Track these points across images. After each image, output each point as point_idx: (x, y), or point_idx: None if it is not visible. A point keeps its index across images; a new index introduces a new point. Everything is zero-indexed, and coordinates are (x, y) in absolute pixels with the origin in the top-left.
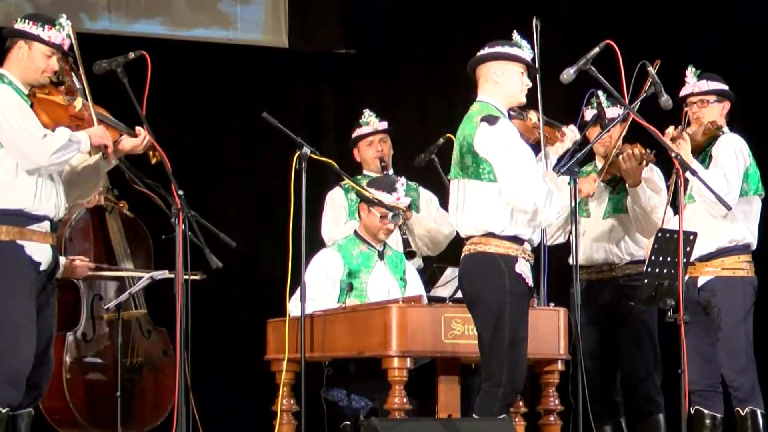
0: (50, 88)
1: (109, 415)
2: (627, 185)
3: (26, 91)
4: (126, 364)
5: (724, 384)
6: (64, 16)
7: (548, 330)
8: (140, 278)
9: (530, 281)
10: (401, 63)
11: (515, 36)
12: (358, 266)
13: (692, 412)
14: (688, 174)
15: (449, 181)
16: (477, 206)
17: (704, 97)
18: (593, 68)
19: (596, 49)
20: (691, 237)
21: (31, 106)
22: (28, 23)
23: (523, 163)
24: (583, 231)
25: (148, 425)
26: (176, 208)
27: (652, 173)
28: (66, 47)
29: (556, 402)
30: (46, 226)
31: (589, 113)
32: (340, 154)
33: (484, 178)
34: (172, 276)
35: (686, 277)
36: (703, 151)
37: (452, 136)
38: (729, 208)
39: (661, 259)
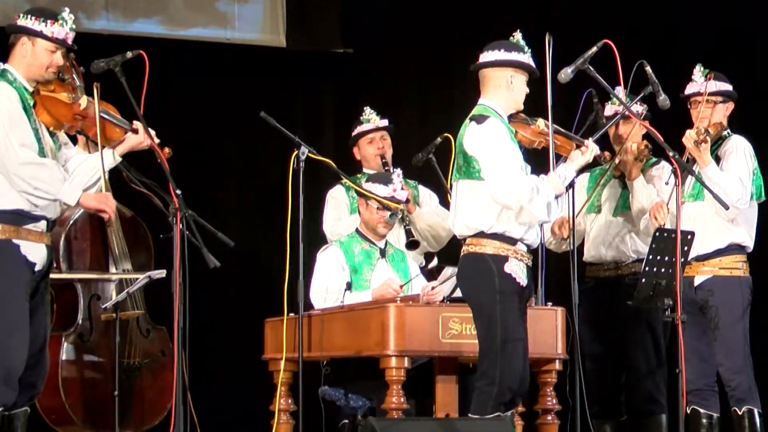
0: (55, 85)
1: (106, 415)
2: (626, 178)
3: (30, 88)
4: (123, 364)
5: (721, 383)
6: (67, 9)
7: (546, 329)
8: (135, 278)
9: (522, 281)
10: (399, 62)
11: (518, 37)
12: (360, 263)
13: (689, 411)
14: (702, 173)
15: (449, 181)
16: (468, 205)
17: (713, 97)
18: (591, 67)
19: (594, 49)
20: (689, 236)
21: (34, 104)
22: (31, 19)
23: (506, 160)
24: (592, 228)
25: (145, 425)
26: (174, 208)
27: (662, 172)
28: (70, 41)
29: (554, 401)
30: (42, 225)
31: (609, 109)
32: (338, 153)
33: (475, 176)
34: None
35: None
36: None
37: (450, 136)
38: (726, 208)
39: (659, 258)
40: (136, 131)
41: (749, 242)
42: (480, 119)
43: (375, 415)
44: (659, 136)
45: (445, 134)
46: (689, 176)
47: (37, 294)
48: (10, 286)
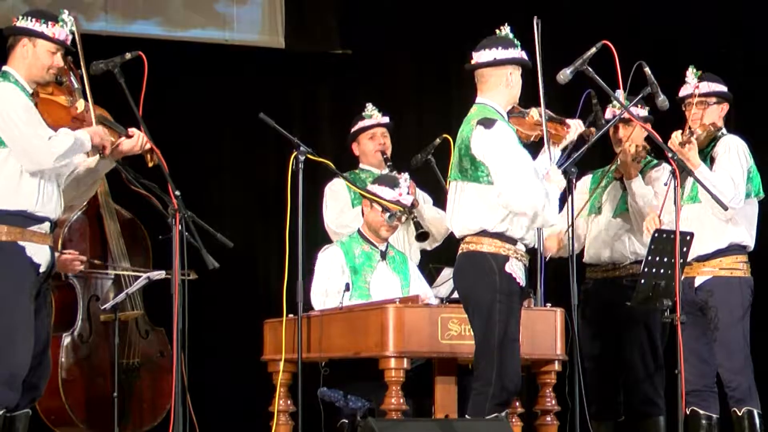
0: (53, 88)
1: (106, 416)
2: (624, 178)
3: (30, 90)
4: (123, 365)
5: (721, 384)
6: (66, 11)
7: (545, 330)
8: (137, 277)
9: (522, 281)
10: (397, 63)
11: (506, 31)
12: (360, 265)
13: (688, 412)
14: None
15: (447, 182)
16: (473, 207)
17: (705, 98)
18: (590, 68)
19: (593, 50)
20: (688, 237)
21: (35, 105)
22: (31, 20)
23: (520, 167)
24: (592, 229)
25: (145, 426)
26: (173, 209)
27: (661, 174)
28: (69, 42)
29: (553, 402)
30: (46, 227)
31: (609, 111)
32: (337, 154)
33: (482, 180)
34: (169, 276)
35: (682, 278)
36: (702, 153)
37: (449, 137)
38: (725, 209)
39: (657, 259)
40: (130, 136)
41: (749, 241)
42: (488, 123)
43: (374, 416)
44: (658, 137)
45: (444, 135)
46: (688, 178)
47: (39, 295)
48: (17, 288)
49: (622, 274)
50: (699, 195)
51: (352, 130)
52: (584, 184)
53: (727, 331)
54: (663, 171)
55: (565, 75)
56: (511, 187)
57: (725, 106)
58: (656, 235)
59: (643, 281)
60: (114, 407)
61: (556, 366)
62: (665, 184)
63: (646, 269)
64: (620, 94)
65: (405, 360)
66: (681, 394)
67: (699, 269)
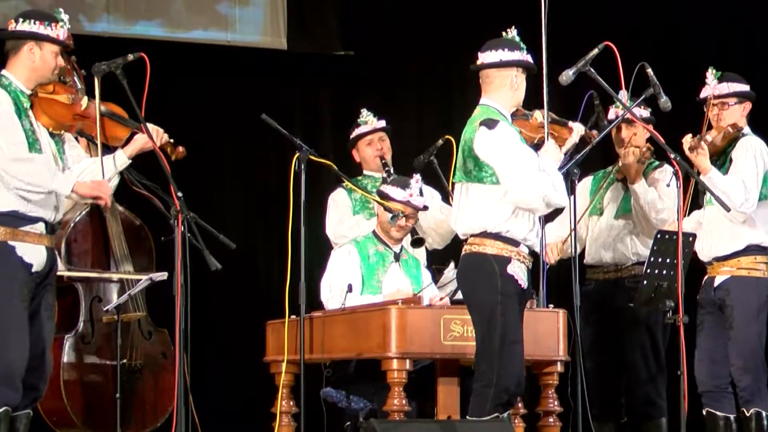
0: (55, 86)
1: (108, 417)
2: (627, 181)
3: (28, 92)
4: (125, 366)
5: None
6: (62, 10)
7: (547, 331)
8: (139, 279)
9: (524, 283)
10: (399, 64)
11: (513, 33)
12: (373, 264)
13: (704, 414)
14: (705, 179)
15: (450, 183)
16: (477, 207)
17: (725, 99)
18: (592, 70)
19: (595, 51)
20: (690, 239)
21: (31, 105)
22: (35, 23)
23: (524, 164)
24: (593, 230)
25: (147, 427)
26: (175, 210)
27: (664, 175)
28: (70, 42)
29: (555, 403)
30: (40, 227)
31: (612, 113)
32: (339, 155)
33: (486, 181)
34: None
35: (705, 277)
36: (723, 154)
37: (451, 138)
38: (728, 210)
39: (660, 260)
40: (143, 131)
41: None
42: (491, 124)
43: (376, 417)
44: (661, 138)
45: (446, 136)
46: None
47: (38, 296)
48: (6, 288)
49: (624, 276)
50: (712, 198)
51: (351, 137)
52: (584, 186)
53: (741, 329)
54: (665, 172)
55: (567, 76)
56: (517, 184)
57: (747, 105)
58: (659, 236)
59: (645, 282)
60: (117, 408)
61: (559, 367)
62: (667, 185)
63: (648, 270)
64: (623, 95)
65: (407, 361)
66: (683, 396)
67: (719, 269)
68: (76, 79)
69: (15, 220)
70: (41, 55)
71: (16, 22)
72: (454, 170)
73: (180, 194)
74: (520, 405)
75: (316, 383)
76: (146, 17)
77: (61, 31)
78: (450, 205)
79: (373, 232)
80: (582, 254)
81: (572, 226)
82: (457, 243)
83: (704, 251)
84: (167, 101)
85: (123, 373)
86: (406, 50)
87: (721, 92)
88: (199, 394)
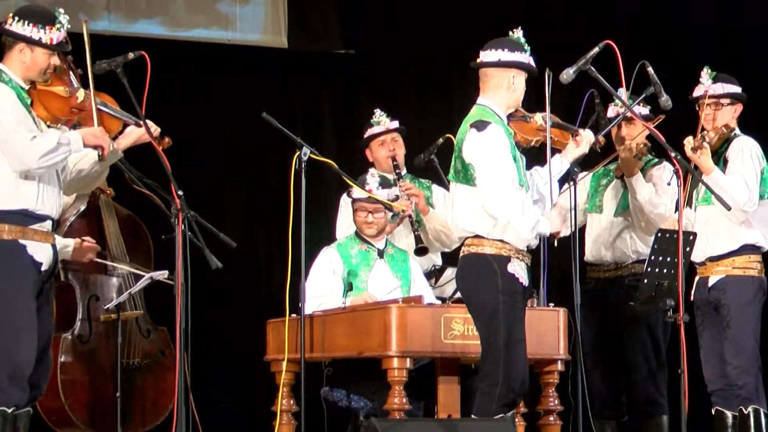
0: (52, 79)
1: (106, 416)
2: (625, 175)
3: (26, 86)
4: (123, 365)
5: None
6: (62, 10)
7: (548, 330)
8: (139, 276)
9: (524, 281)
10: (400, 63)
11: (518, 34)
12: (356, 265)
13: (713, 412)
14: (707, 179)
15: (449, 182)
16: (466, 209)
17: (718, 99)
18: (593, 68)
19: (596, 49)
20: (691, 237)
21: (31, 103)
22: (28, 25)
23: (500, 172)
24: (593, 228)
25: (147, 425)
26: (176, 209)
27: (662, 172)
28: (67, 42)
29: (556, 402)
30: (47, 225)
31: (611, 110)
32: (339, 153)
33: (470, 182)
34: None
35: (697, 278)
36: (715, 154)
37: (451, 137)
38: (728, 209)
39: (660, 259)
40: (139, 125)
41: (763, 242)
42: (480, 126)
43: (377, 416)
44: (661, 136)
45: (447, 135)
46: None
47: (42, 294)
48: (18, 287)
49: (624, 274)
50: (711, 197)
51: (364, 136)
52: (584, 183)
53: (737, 329)
54: (664, 169)
55: (568, 75)
56: (487, 189)
57: (739, 107)
58: (659, 234)
59: (646, 281)
60: (117, 407)
61: (559, 366)
62: (668, 184)
63: (649, 269)
64: (622, 92)
65: (408, 360)
66: (684, 394)
67: (713, 269)
68: (72, 78)
69: (25, 218)
70: (31, 57)
71: (13, 18)
72: (450, 170)
73: (180, 193)
74: (521, 403)
75: (316, 382)
76: (147, 16)
77: (55, 35)
78: None
79: (355, 231)
80: (582, 253)
81: (572, 230)
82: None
83: (698, 251)
84: (168, 100)
85: (121, 371)
86: (406, 49)
87: (716, 92)
88: (200, 392)
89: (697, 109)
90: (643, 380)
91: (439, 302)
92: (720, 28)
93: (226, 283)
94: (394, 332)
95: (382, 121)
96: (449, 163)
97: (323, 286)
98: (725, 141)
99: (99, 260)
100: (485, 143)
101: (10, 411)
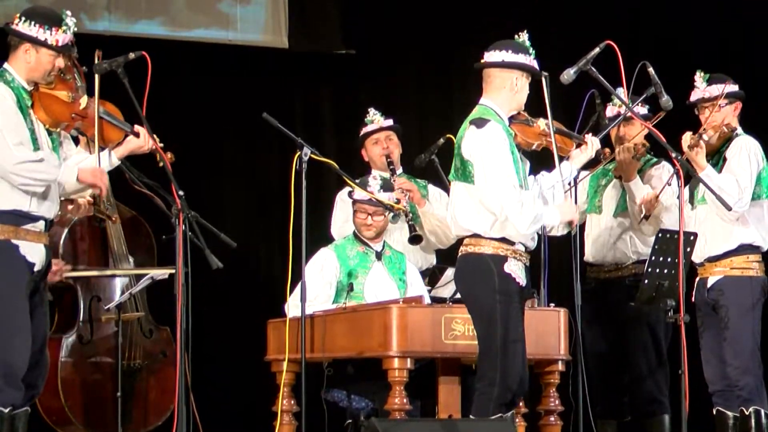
0: (56, 82)
1: (106, 417)
2: (622, 179)
3: (29, 88)
4: (124, 366)
5: None
6: (69, 12)
7: (549, 330)
8: (139, 277)
9: (522, 281)
10: (401, 63)
11: (524, 38)
12: (354, 267)
13: (714, 413)
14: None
15: (449, 182)
16: (464, 208)
17: (716, 101)
18: (593, 69)
19: (596, 50)
20: (692, 237)
21: (32, 105)
22: (34, 26)
23: (499, 168)
24: (592, 229)
25: (148, 426)
26: (177, 209)
27: (661, 172)
28: (73, 45)
29: (557, 402)
30: (40, 225)
31: (610, 110)
32: (340, 154)
33: (469, 180)
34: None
35: (697, 279)
36: (717, 153)
37: (452, 137)
38: (729, 209)
39: (661, 259)
40: (137, 134)
41: (761, 242)
42: (480, 123)
43: (377, 416)
44: (661, 137)
45: (448, 135)
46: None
47: (35, 294)
48: (11, 287)
49: (625, 275)
50: (705, 196)
51: (359, 136)
52: (583, 182)
53: (736, 329)
54: (662, 169)
55: (568, 75)
56: (486, 185)
57: (738, 105)
58: (660, 235)
59: (646, 281)
60: (118, 408)
61: (560, 366)
62: (668, 184)
63: (649, 269)
64: (621, 92)
65: (408, 360)
66: (684, 394)
67: (711, 270)
68: (76, 75)
69: (17, 218)
70: (37, 58)
71: (20, 19)
72: (451, 169)
73: (181, 193)
74: (521, 404)
75: (317, 382)
76: (147, 16)
77: (61, 37)
78: None
79: (353, 233)
80: (582, 253)
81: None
82: (457, 244)
83: (697, 252)
84: (168, 100)
85: (122, 372)
86: (407, 49)
87: (712, 94)
88: (200, 392)
89: (697, 113)
90: (644, 380)
91: (436, 303)
92: (720, 28)
93: (226, 283)
94: (394, 332)
95: (375, 120)
96: (450, 163)
97: (311, 289)
98: (726, 140)
99: (98, 273)
100: (484, 140)
101: (6, 411)
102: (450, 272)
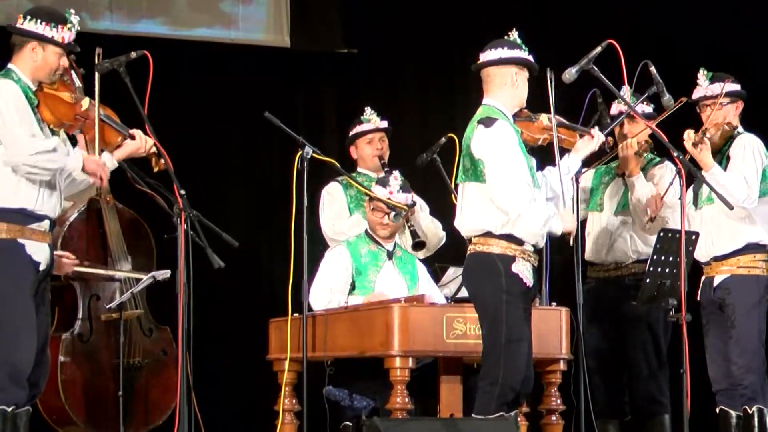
0: (59, 84)
1: (107, 415)
2: (625, 176)
3: (34, 88)
4: (125, 364)
5: None
6: (72, 11)
7: (550, 330)
8: (137, 278)
9: (529, 281)
10: (402, 63)
11: (514, 36)
12: (365, 265)
13: (717, 412)
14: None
15: (453, 183)
16: (476, 207)
17: (718, 100)
18: (595, 68)
19: (598, 49)
20: (693, 237)
21: (38, 105)
22: (41, 23)
23: (511, 166)
24: (593, 228)
25: (149, 425)
26: (178, 208)
27: (664, 171)
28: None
29: (558, 401)
30: (45, 225)
31: (614, 108)
32: (341, 153)
33: (481, 179)
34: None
35: (703, 278)
36: (720, 152)
37: (454, 136)
38: (731, 208)
39: (663, 258)
40: (133, 137)
41: (767, 240)
42: (488, 122)
43: (379, 415)
44: (664, 136)
45: (449, 134)
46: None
47: (38, 294)
48: (17, 286)
49: (625, 274)
50: (712, 195)
51: (351, 133)
52: (586, 180)
53: (741, 328)
54: (665, 168)
55: (570, 74)
56: (498, 182)
57: (740, 104)
58: (662, 234)
59: (648, 280)
60: (119, 406)
61: (561, 365)
62: (671, 184)
63: (651, 268)
64: (624, 91)
65: (410, 359)
66: (686, 394)
67: (718, 269)
68: (74, 77)
69: (24, 217)
70: (43, 56)
71: (24, 18)
72: (457, 171)
73: (183, 192)
74: (523, 403)
75: (318, 381)
76: (149, 15)
77: (67, 34)
78: (454, 203)
79: (366, 231)
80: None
81: (575, 228)
82: (459, 243)
83: (702, 251)
84: (170, 99)
85: (123, 371)
86: (408, 48)
87: (714, 92)
88: (202, 391)
89: (699, 111)
90: (644, 379)
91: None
92: (720, 28)
93: (228, 282)
94: (396, 331)
95: (372, 120)
96: (451, 163)
97: (337, 281)
98: (728, 138)
99: (97, 271)
100: (494, 138)
101: (10, 410)
102: (452, 271)
